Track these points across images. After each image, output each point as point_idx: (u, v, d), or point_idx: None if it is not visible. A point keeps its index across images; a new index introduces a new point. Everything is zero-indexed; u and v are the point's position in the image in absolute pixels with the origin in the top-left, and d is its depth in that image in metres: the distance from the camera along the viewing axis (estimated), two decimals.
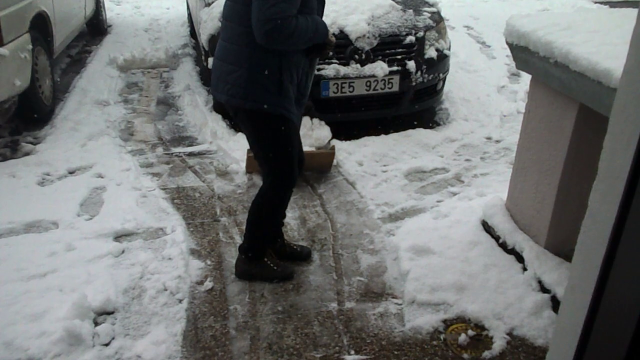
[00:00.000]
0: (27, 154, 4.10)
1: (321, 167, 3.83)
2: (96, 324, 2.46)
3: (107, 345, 2.36)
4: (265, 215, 2.67)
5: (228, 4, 2.38)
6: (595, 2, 9.51)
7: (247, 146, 4.10)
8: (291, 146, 2.50)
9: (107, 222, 3.20)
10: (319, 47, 2.44)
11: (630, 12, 2.68)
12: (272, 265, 2.80)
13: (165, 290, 2.67)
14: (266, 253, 2.79)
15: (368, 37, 4.21)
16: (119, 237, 3.10)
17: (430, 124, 4.76)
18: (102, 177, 3.77)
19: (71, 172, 3.86)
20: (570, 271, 0.95)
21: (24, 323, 2.38)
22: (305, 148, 3.38)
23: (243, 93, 2.35)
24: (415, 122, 4.67)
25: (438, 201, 3.50)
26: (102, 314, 2.52)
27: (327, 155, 3.81)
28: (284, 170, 2.53)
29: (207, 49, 4.65)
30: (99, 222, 3.22)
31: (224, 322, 2.52)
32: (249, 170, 3.84)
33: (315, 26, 2.31)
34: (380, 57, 4.22)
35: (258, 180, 3.76)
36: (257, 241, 2.74)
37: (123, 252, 2.96)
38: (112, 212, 3.32)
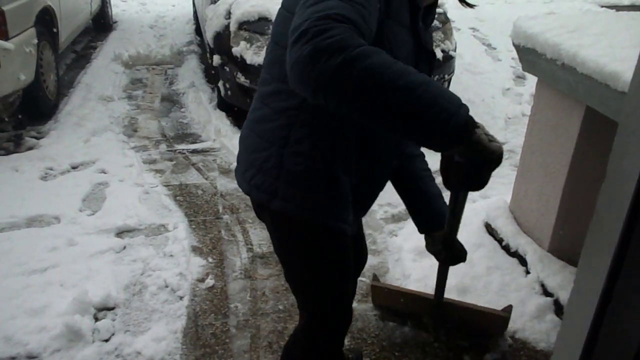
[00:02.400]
0: (30, 148, 4.10)
1: (487, 330, 2.43)
2: (96, 319, 2.45)
3: (107, 341, 2.35)
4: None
5: (269, 44, 1.46)
6: (602, 6, 9.47)
7: None
8: (340, 272, 1.55)
9: (109, 217, 3.20)
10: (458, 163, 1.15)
11: (638, 16, 2.66)
12: None
13: (166, 287, 2.67)
14: None
15: None
16: (120, 233, 3.10)
17: None
18: (105, 173, 3.77)
19: (74, 167, 3.86)
20: (576, 275, 0.94)
21: (24, 318, 2.38)
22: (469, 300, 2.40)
23: (270, 185, 1.41)
24: None
25: None
26: (103, 309, 2.52)
27: (501, 319, 2.37)
28: (324, 308, 1.59)
29: (212, 46, 4.64)
30: (101, 217, 3.22)
31: (225, 320, 2.51)
32: (376, 303, 2.59)
33: (425, 82, 1.02)
34: None
35: None
36: None
37: (124, 248, 2.96)
38: (115, 208, 3.31)
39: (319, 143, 1.35)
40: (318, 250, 1.48)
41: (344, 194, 1.41)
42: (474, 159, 1.09)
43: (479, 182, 1.15)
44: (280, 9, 1.39)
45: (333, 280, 1.53)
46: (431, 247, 1.89)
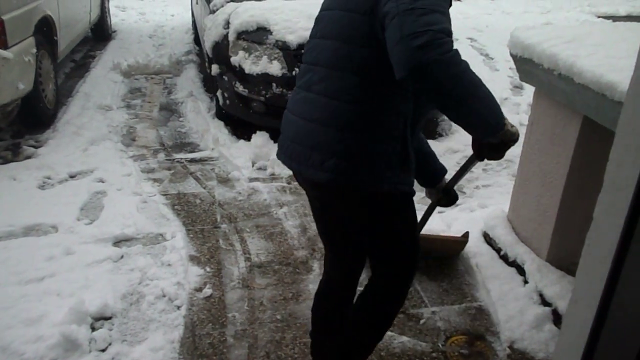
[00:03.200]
0: (28, 157, 4.10)
1: (447, 254, 3.00)
2: (93, 329, 2.44)
3: (103, 351, 2.34)
4: (387, 325, 1.96)
5: (328, 45, 1.66)
6: (599, 17, 9.53)
7: (249, 153, 4.13)
8: (415, 228, 1.89)
9: (106, 227, 3.19)
10: (491, 143, 1.61)
11: (635, 26, 2.68)
12: None
13: (164, 296, 2.65)
14: None
15: None
16: (118, 242, 3.09)
17: (433, 135, 4.75)
18: (103, 182, 3.76)
19: (72, 176, 3.85)
20: (574, 285, 0.94)
21: (21, 327, 2.36)
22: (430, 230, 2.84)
23: (366, 172, 1.61)
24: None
25: (440, 212, 3.48)
26: (100, 319, 2.51)
27: (459, 243, 2.99)
28: (409, 260, 1.86)
29: (210, 55, 4.66)
30: (99, 226, 3.21)
31: (222, 329, 2.50)
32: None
33: (492, 97, 1.50)
34: None
35: (260, 187, 3.75)
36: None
37: (122, 257, 2.95)
38: (112, 217, 3.30)
39: (396, 127, 1.61)
40: (405, 213, 1.79)
41: (412, 166, 1.70)
42: (502, 140, 1.59)
43: (502, 155, 1.67)
44: (336, 11, 1.67)
45: (412, 236, 1.85)
46: (433, 195, 2.22)
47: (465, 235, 2.97)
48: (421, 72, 1.39)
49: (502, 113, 1.54)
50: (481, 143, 1.69)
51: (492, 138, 1.58)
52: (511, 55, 2.64)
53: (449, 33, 1.43)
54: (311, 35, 1.80)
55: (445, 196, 2.18)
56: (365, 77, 1.58)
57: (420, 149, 2.03)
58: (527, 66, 2.53)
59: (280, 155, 1.84)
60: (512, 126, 1.59)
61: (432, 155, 2.14)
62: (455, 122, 1.56)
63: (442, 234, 3.05)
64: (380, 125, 1.60)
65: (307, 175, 1.72)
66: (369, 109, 1.59)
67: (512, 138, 1.60)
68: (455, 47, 1.44)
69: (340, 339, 1.98)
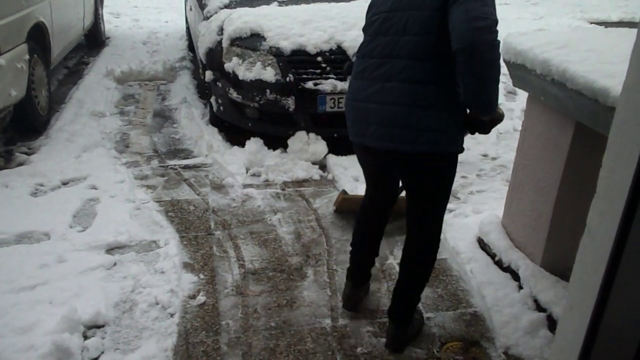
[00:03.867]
0: (20, 164, 4.07)
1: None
2: (85, 337, 2.41)
3: (96, 359, 2.31)
4: (431, 270, 2.40)
5: (407, 40, 2.00)
6: (591, 23, 9.60)
7: (243, 159, 4.11)
8: None
9: (99, 234, 3.17)
10: (484, 120, 2.11)
11: (627, 32, 2.70)
12: (416, 316, 2.53)
13: (157, 304, 2.63)
14: None
15: None
16: (111, 249, 3.07)
17: None
18: (95, 189, 3.74)
19: (65, 183, 3.83)
20: (569, 290, 0.93)
21: (12, 336, 2.34)
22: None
23: (447, 138, 2.05)
24: None
25: None
26: (92, 327, 2.48)
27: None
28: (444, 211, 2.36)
29: (204, 62, 4.66)
30: (92, 234, 3.19)
31: (216, 337, 2.49)
32: (340, 210, 3.54)
33: (498, 80, 1.98)
34: None
35: (254, 194, 3.74)
36: (419, 299, 2.47)
37: (115, 264, 2.93)
38: (105, 224, 3.28)
39: (458, 99, 2.05)
40: (454, 170, 2.26)
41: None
42: (492, 119, 2.10)
43: (489, 131, 2.16)
44: (407, 12, 2.01)
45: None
46: None
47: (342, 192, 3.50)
48: (474, 47, 1.82)
49: (497, 101, 2.02)
50: (477, 119, 2.10)
51: (487, 116, 2.06)
52: (504, 61, 2.65)
53: (497, 24, 1.87)
54: (373, 34, 2.12)
55: None
56: (440, 62, 1.98)
57: None
58: (520, 72, 2.54)
59: (362, 139, 2.18)
60: (500, 108, 2.10)
61: None
62: (465, 95, 1.98)
63: None
64: (453, 100, 2.03)
65: (403, 150, 2.06)
66: (444, 88, 2.01)
67: (500, 118, 2.14)
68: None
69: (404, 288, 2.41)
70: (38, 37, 4.73)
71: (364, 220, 2.58)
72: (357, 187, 3.87)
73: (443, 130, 2.04)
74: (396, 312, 2.41)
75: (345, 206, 3.49)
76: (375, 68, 2.09)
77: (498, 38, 1.87)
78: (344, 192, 3.57)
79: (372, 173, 2.46)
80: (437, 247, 2.37)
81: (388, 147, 2.08)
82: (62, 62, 6.36)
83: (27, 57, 4.30)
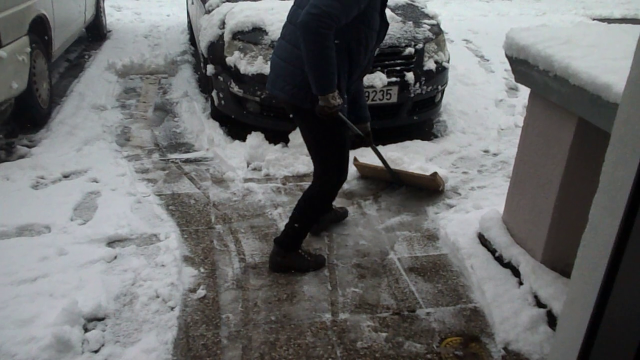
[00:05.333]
0: (22, 156, 4.07)
1: (427, 188, 3.76)
2: (86, 330, 2.42)
3: (96, 352, 2.32)
4: (316, 210, 2.86)
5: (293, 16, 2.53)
6: (594, 19, 9.57)
7: (244, 154, 4.11)
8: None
9: (100, 227, 3.17)
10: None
11: (629, 28, 2.69)
12: (306, 256, 2.91)
13: (158, 297, 2.64)
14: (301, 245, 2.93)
15: None
16: (112, 242, 3.07)
17: (428, 136, 4.75)
18: (96, 182, 3.74)
19: (66, 176, 3.83)
20: (570, 285, 0.93)
21: (13, 328, 2.34)
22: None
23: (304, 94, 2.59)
24: (413, 134, 4.66)
25: (435, 213, 3.48)
26: (93, 320, 2.49)
27: (428, 179, 3.65)
28: (319, 160, 2.81)
29: (206, 56, 4.64)
30: (92, 227, 3.19)
31: (216, 330, 2.49)
32: (364, 175, 3.96)
33: (329, 74, 2.38)
34: (379, 68, 4.22)
35: (255, 188, 3.74)
36: (299, 234, 2.87)
37: (116, 257, 2.93)
38: (106, 217, 3.28)
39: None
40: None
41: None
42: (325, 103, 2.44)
43: (321, 111, 2.48)
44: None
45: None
46: (362, 131, 3.01)
47: (434, 174, 3.62)
48: (300, 28, 2.28)
49: (328, 88, 2.38)
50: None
51: (317, 94, 2.43)
52: (506, 56, 2.64)
53: (332, 16, 2.25)
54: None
55: (367, 136, 3.06)
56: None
57: (356, 96, 2.89)
58: (522, 67, 2.53)
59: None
60: (333, 100, 2.41)
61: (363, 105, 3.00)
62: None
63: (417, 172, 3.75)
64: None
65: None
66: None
67: (328, 106, 2.43)
68: (331, 30, 2.30)
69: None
70: (39, 29, 4.72)
71: None
72: (358, 182, 3.87)
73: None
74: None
75: (364, 172, 3.92)
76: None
77: (324, 25, 2.25)
78: (354, 159, 3.86)
79: None
80: (316, 192, 2.77)
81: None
82: (64, 55, 6.35)
83: (29, 49, 4.29)
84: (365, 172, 3.90)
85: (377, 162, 3.62)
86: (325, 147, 2.67)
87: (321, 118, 2.49)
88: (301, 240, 2.90)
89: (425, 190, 3.74)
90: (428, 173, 3.68)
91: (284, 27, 2.62)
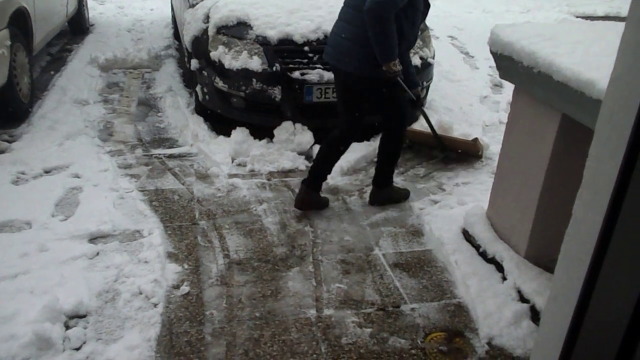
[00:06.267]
0: (2, 152, 4.01)
1: (467, 153, 4.19)
2: (67, 327, 2.39)
3: (78, 349, 2.29)
4: (400, 146, 3.46)
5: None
6: (577, 17, 9.65)
7: (229, 149, 4.08)
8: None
9: (82, 223, 3.13)
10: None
11: (613, 25, 2.71)
12: (399, 187, 3.61)
13: (140, 294, 2.61)
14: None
15: None
16: (94, 238, 3.03)
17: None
18: (78, 178, 3.70)
19: (47, 172, 3.78)
20: (553, 280, 0.93)
21: None
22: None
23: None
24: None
25: (420, 209, 3.49)
26: (74, 317, 2.46)
27: (469, 144, 4.13)
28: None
29: (190, 50, 4.60)
30: (74, 223, 3.15)
31: (200, 327, 2.47)
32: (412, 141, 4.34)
33: (392, 47, 2.94)
34: None
35: (239, 184, 3.72)
36: (392, 170, 3.52)
37: (98, 254, 2.90)
38: (88, 213, 3.25)
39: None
40: None
41: None
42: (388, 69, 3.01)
43: (388, 76, 3.05)
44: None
45: None
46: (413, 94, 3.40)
47: (475, 140, 4.09)
48: (368, 13, 2.84)
49: (390, 57, 2.96)
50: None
51: (382, 63, 2.99)
52: (491, 52, 2.65)
53: (393, 4, 2.82)
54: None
55: (417, 100, 3.50)
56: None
57: (405, 66, 3.25)
58: (506, 63, 2.54)
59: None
60: (395, 70, 3.01)
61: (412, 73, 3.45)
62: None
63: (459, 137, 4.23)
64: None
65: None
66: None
67: (390, 70, 3.00)
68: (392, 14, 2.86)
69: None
70: (20, 22, 4.64)
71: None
72: (343, 177, 3.87)
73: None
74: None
75: (412, 137, 4.27)
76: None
77: (388, 14, 2.83)
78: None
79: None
80: (397, 135, 3.39)
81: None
82: (45, 48, 6.26)
83: (9, 43, 4.21)
84: (414, 137, 4.25)
85: (424, 128, 4.11)
86: (392, 102, 3.21)
87: (383, 83, 3.07)
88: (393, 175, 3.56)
89: (465, 154, 4.16)
90: (470, 139, 4.14)
91: (343, 12, 3.15)
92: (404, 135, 3.47)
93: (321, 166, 3.38)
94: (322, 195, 3.49)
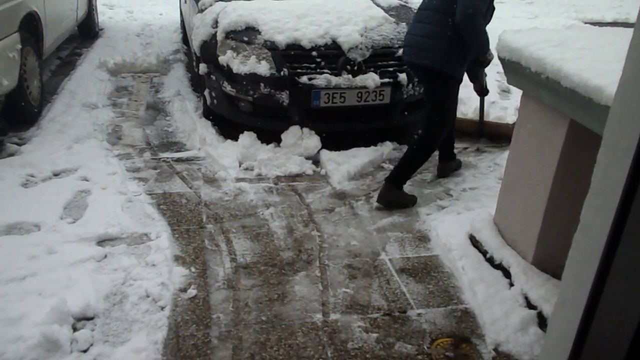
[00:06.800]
0: (11, 154, 4.04)
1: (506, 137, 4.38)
2: (75, 329, 2.40)
3: (85, 351, 2.30)
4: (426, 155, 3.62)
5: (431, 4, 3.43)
6: (586, 22, 9.62)
7: (236, 153, 4.10)
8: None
9: (90, 226, 3.15)
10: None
11: (622, 31, 2.70)
12: (407, 193, 3.64)
13: (148, 296, 2.62)
14: None
15: (360, 49, 4.21)
16: (102, 241, 3.05)
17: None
18: (87, 181, 3.72)
19: (56, 175, 3.80)
20: (561, 286, 0.93)
21: (1, 327, 2.32)
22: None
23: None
24: (406, 135, 4.66)
25: (427, 214, 3.48)
26: (82, 319, 2.47)
27: (510, 128, 4.22)
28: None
29: (198, 55, 4.63)
30: (82, 225, 3.17)
31: (207, 330, 2.48)
32: (489, 136, 4.73)
33: (486, 42, 3.35)
34: (372, 69, 4.22)
35: (247, 188, 3.73)
36: (411, 173, 3.66)
37: (106, 257, 2.91)
38: (96, 216, 3.26)
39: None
40: None
41: None
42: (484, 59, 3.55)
43: (483, 64, 3.67)
44: None
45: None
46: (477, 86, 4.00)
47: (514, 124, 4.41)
48: (461, 24, 3.23)
49: (488, 49, 3.40)
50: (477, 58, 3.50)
51: (480, 56, 3.47)
52: (499, 58, 2.65)
53: (481, 11, 3.24)
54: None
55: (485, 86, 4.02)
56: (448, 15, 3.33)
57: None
58: (514, 69, 2.54)
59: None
60: (490, 54, 3.45)
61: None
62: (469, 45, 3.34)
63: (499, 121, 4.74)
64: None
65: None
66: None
67: (491, 57, 3.49)
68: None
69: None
70: (31, 26, 4.69)
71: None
72: (350, 182, 3.87)
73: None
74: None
75: (490, 132, 4.66)
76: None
77: (479, 21, 3.25)
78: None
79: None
80: (431, 135, 3.57)
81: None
82: (55, 52, 6.31)
83: (19, 46, 4.26)
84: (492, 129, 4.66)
85: (463, 115, 4.60)
86: (449, 102, 3.52)
87: (453, 83, 3.48)
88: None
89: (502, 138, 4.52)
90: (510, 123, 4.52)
91: (419, 15, 3.47)
92: (434, 146, 3.60)
93: (405, 165, 3.61)
94: (408, 193, 3.66)
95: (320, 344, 2.43)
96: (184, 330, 2.47)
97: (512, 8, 10.65)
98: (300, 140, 4.19)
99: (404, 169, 3.57)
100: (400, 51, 4.32)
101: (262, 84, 4.15)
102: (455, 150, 4.12)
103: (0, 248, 2.90)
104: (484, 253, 2.91)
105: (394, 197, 3.56)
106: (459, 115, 4.43)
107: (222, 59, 4.29)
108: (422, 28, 3.40)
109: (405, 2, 5.27)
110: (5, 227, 3.11)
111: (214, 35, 4.44)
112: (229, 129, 4.49)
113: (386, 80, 4.24)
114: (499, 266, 2.79)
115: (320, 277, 2.88)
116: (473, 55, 3.42)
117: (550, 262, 2.62)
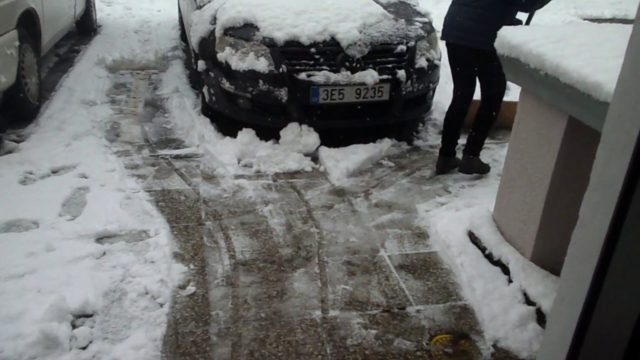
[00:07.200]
0: (10, 151, 4.03)
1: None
2: (74, 326, 2.40)
3: (84, 348, 2.30)
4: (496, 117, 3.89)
5: None
6: (584, 19, 9.62)
7: (235, 150, 4.10)
8: None
9: (89, 223, 3.14)
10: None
11: (620, 28, 2.70)
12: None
13: (147, 293, 2.62)
14: None
15: (359, 45, 4.20)
16: (100, 238, 3.05)
17: (419, 134, 4.75)
18: (85, 178, 3.71)
19: (54, 172, 3.80)
20: (560, 283, 0.93)
21: (0, 324, 2.32)
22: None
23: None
24: (404, 132, 4.66)
25: (426, 211, 3.49)
26: (81, 316, 2.47)
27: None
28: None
29: (197, 51, 4.62)
30: (81, 222, 3.16)
31: (206, 327, 2.48)
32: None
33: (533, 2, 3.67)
34: (371, 65, 4.21)
35: (246, 185, 3.73)
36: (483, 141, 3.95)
37: (104, 254, 2.91)
38: (95, 213, 3.26)
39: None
40: None
41: None
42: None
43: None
44: None
45: None
46: None
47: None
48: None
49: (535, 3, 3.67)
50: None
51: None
52: (498, 55, 2.65)
53: None
54: None
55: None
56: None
57: None
58: (513, 66, 2.54)
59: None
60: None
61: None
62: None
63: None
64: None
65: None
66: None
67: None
68: None
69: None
70: (28, 23, 4.67)
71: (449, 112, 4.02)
72: (349, 179, 3.87)
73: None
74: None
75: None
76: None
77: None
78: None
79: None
80: (498, 103, 3.83)
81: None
82: (53, 49, 6.30)
83: (17, 43, 4.24)
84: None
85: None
86: (499, 72, 3.17)
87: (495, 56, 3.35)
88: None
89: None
90: None
91: (458, 1, 3.69)
92: (500, 105, 3.84)
93: (448, 134, 3.96)
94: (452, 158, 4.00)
95: (320, 340, 2.43)
96: (183, 327, 2.48)
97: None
98: (299, 137, 4.18)
99: (481, 135, 3.89)
100: (399, 48, 4.32)
101: (260, 81, 4.14)
102: (456, 149, 4.10)
103: None
104: (483, 249, 2.91)
105: (478, 165, 3.92)
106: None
107: (221, 56, 4.28)
108: (471, 12, 3.59)
109: None
110: (3, 225, 3.11)
111: (213, 32, 4.43)
112: (227, 126, 4.48)
113: (385, 76, 4.23)
114: (497, 262, 2.79)
115: (319, 273, 2.88)
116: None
117: (549, 259, 2.62)
